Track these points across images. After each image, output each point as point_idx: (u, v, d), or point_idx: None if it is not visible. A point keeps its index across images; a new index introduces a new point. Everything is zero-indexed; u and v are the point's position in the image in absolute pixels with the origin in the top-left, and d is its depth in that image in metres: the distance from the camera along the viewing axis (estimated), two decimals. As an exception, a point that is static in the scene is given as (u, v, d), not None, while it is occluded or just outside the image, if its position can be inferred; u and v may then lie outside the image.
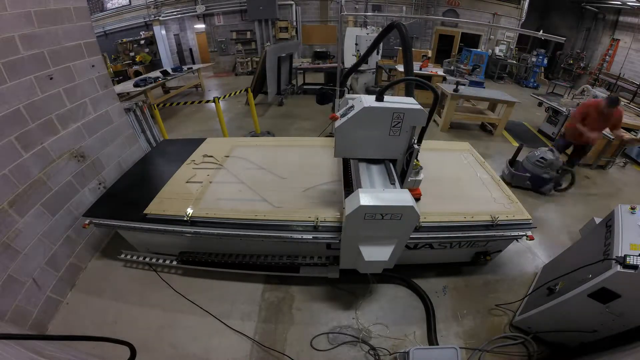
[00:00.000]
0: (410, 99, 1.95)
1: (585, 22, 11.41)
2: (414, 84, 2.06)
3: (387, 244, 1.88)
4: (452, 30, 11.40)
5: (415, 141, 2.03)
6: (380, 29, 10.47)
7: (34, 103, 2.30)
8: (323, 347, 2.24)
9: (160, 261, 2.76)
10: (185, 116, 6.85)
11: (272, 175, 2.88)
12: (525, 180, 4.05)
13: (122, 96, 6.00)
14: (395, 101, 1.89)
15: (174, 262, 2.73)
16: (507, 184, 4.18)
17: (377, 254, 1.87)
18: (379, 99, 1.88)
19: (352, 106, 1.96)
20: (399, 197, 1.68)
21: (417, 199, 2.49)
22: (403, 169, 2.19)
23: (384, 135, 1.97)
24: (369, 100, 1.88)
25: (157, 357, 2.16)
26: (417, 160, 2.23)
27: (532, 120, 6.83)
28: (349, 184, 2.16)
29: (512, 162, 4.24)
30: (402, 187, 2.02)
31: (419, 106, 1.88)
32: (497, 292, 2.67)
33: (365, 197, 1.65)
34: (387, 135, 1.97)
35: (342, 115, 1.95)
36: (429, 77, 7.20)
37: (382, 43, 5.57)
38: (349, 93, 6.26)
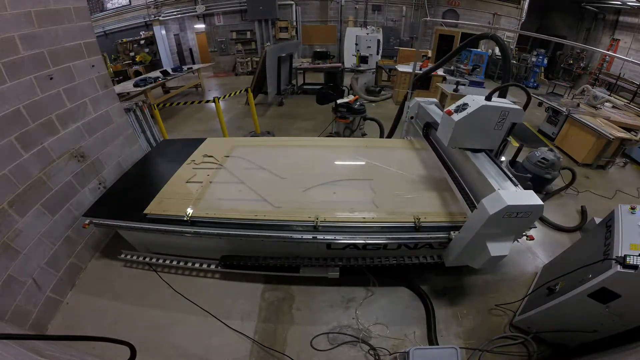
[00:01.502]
0: (507, 100, 2.34)
1: (585, 22, 11.41)
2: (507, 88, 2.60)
3: (507, 239, 2.05)
4: (452, 30, 11.40)
5: (507, 135, 2.41)
6: (380, 29, 10.45)
7: (34, 103, 2.30)
8: (323, 347, 2.24)
9: (160, 261, 2.76)
10: (185, 116, 6.85)
11: (272, 175, 2.88)
12: (526, 181, 4.03)
13: (122, 96, 6.00)
14: (502, 102, 2.25)
15: (181, 263, 2.72)
16: None
17: (500, 249, 2.01)
18: (489, 99, 2.24)
19: (466, 104, 2.26)
20: (532, 197, 1.83)
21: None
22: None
23: (490, 129, 2.31)
24: (482, 100, 2.22)
25: (157, 357, 2.16)
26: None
27: (532, 120, 6.82)
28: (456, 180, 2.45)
29: (512, 162, 4.22)
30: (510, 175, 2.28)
31: (518, 107, 2.25)
32: (497, 292, 2.67)
33: (509, 198, 1.77)
34: (492, 129, 2.31)
35: (457, 111, 2.27)
36: (429, 77, 7.20)
37: (382, 43, 5.56)
38: (349, 93, 6.28)
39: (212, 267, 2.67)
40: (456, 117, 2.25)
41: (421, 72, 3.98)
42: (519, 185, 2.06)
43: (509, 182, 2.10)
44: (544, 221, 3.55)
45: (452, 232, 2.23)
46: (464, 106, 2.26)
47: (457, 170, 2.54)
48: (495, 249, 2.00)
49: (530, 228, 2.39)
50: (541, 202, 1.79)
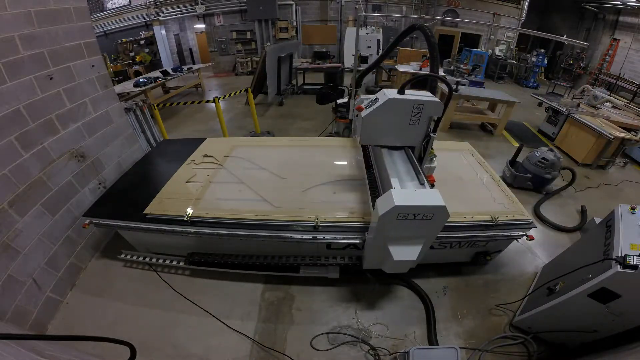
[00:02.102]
0: (428, 93, 2.17)
1: (585, 22, 11.40)
2: (436, 82, 2.30)
3: (415, 243, 1.91)
4: (452, 30, 11.40)
5: (432, 130, 2.24)
6: (381, 29, 10.47)
7: (34, 103, 2.30)
8: (323, 347, 2.24)
9: (160, 261, 2.76)
10: (185, 116, 6.85)
11: (272, 175, 2.88)
12: (526, 181, 4.05)
13: (122, 96, 6.00)
14: (416, 94, 2.10)
15: (181, 263, 2.72)
16: (508, 185, 4.21)
17: (405, 253, 1.89)
18: (401, 92, 2.09)
19: (377, 99, 2.14)
20: (431, 197, 1.71)
21: (432, 185, 2.58)
22: (420, 156, 2.40)
23: (405, 125, 2.18)
24: (392, 93, 2.08)
25: (157, 357, 2.16)
26: (432, 149, 2.39)
27: (532, 121, 6.82)
28: (372, 179, 2.28)
29: (513, 162, 4.23)
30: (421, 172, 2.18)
31: (436, 99, 2.10)
32: (497, 292, 2.67)
33: (399, 197, 1.66)
34: (407, 125, 2.18)
35: (367, 107, 2.17)
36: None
37: (382, 43, 5.56)
38: (349, 93, 6.26)
39: (212, 267, 2.67)
40: (365, 112, 2.16)
41: (364, 69, 3.82)
42: (426, 185, 1.96)
43: (416, 181, 2.01)
44: (544, 221, 3.55)
45: (365, 234, 2.14)
46: (374, 101, 2.16)
47: (377, 168, 2.34)
48: (400, 252, 1.87)
49: (530, 228, 2.40)
50: (442, 204, 1.65)
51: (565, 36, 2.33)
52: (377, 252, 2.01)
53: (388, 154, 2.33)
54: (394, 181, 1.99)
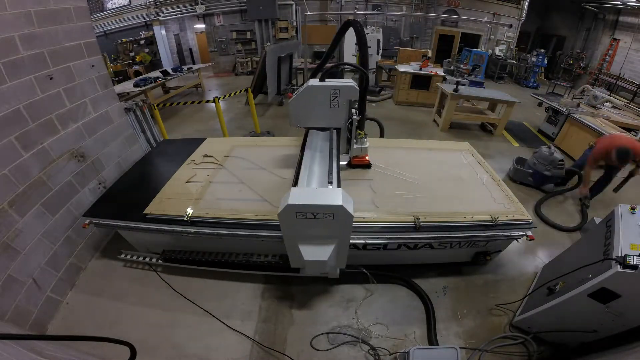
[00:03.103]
0: (349, 80, 2.49)
1: (585, 22, 11.41)
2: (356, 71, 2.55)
3: (327, 243, 1.86)
4: (452, 30, 11.39)
5: (356, 113, 2.53)
6: (380, 29, 10.47)
7: (34, 103, 2.30)
8: (323, 347, 2.24)
9: (160, 261, 2.75)
10: (185, 116, 6.85)
11: (272, 175, 2.88)
12: (527, 177, 4.11)
13: (122, 96, 6.00)
14: (335, 82, 2.43)
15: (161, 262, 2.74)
16: (511, 179, 4.21)
17: (316, 253, 1.85)
18: (322, 80, 2.44)
19: (304, 86, 2.46)
20: (330, 196, 1.66)
21: (367, 166, 2.97)
22: (348, 137, 2.76)
23: (326, 108, 2.51)
24: (314, 81, 2.44)
25: (157, 357, 2.16)
26: (361, 131, 2.77)
27: (532, 120, 6.83)
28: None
29: (520, 161, 4.37)
30: (349, 153, 2.59)
31: (351, 83, 2.44)
32: (497, 292, 2.67)
33: (295, 196, 1.64)
34: (328, 108, 2.51)
35: (295, 93, 2.52)
36: (428, 77, 7.20)
37: (382, 43, 5.57)
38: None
39: (212, 267, 2.67)
40: (291, 98, 2.52)
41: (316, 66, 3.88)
42: (334, 183, 1.96)
43: (325, 179, 2.02)
44: (544, 220, 3.55)
45: None
46: (301, 88, 2.52)
47: (300, 159, 2.38)
48: (310, 252, 1.85)
49: (530, 228, 2.40)
50: (339, 203, 1.60)
51: (566, 37, 2.32)
52: (294, 252, 1.97)
53: (315, 134, 2.65)
54: (302, 178, 2.01)
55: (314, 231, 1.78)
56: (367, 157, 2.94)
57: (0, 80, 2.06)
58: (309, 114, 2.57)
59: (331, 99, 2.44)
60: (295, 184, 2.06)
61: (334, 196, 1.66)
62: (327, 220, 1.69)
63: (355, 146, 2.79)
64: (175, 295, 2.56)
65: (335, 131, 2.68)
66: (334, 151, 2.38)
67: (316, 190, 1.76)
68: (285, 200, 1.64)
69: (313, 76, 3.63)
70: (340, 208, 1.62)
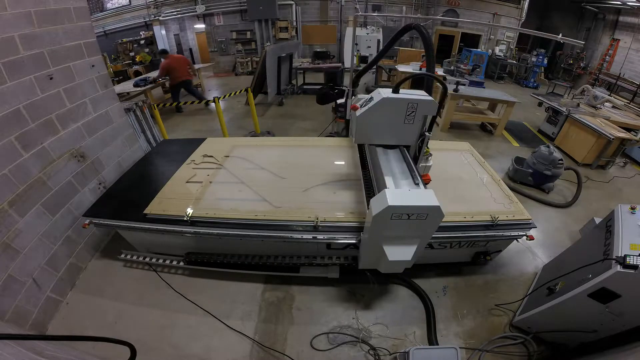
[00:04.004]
0: (422, 92, 2.16)
1: (585, 22, 11.41)
2: (432, 81, 2.31)
3: (410, 243, 1.89)
4: (452, 30, 11.40)
5: (427, 129, 2.25)
6: (380, 29, 10.47)
7: (34, 103, 2.30)
8: (323, 347, 2.24)
9: (160, 261, 2.76)
10: (185, 116, 6.85)
11: (272, 175, 2.88)
12: (527, 176, 4.12)
13: (122, 96, 6.00)
14: (410, 93, 2.09)
15: (180, 263, 2.72)
16: (511, 179, 4.22)
17: (400, 253, 1.88)
18: (396, 91, 2.08)
19: (372, 98, 2.14)
20: (426, 197, 1.70)
21: (427, 183, 2.59)
22: (415, 155, 2.39)
23: (399, 123, 2.17)
24: (387, 92, 2.08)
25: (157, 357, 2.16)
26: (428, 147, 2.39)
27: (532, 120, 6.82)
28: (367, 179, 2.35)
29: (519, 160, 4.37)
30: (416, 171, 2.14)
31: (430, 98, 2.10)
32: (497, 292, 2.67)
33: (393, 197, 1.65)
34: (402, 123, 2.16)
35: (362, 106, 2.16)
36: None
37: (382, 43, 5.57)
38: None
39: (212, 267, 2.67)
40: (359, 112, 2.16)
41: (361, 68, 3.72)
42: (420, 184, 1.96)
43: (410, 180, 2.01)
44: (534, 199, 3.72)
45: (361, 234, 2.14)
46: (369, 100, 2.16)
47: (372, 168, 2.38)
48: (394, 253, 1.87)
49: (530, 228, 2.40)
50: (437, 204, 1.63)
51: (560, 35, 2.31)
52: (372, 252, 2.00)
53: (383, 152, 2.33)
54: (388, 180, 1.99)
55: (399, 232, 1.80)
56: (429, 175, 2.64)
57: (0, 80, 2.05)
58: (377, 130, 2.23)
59: (406, 114, 2.11)
60: (370, 186, 2.13)
61: (429, 197, 1.69)
62: (418, 221, 1.70)
63: (421, 164, 2.46)
64: (175, 295, 2.56)
65: (405, 149, 2.38)
66: (410, 162, 2.24)
67: (409, 191, 1.78)
68: (383, 202, 1.64)
69: (358, 77, 3.64)
70: (436, 209, 1.65)
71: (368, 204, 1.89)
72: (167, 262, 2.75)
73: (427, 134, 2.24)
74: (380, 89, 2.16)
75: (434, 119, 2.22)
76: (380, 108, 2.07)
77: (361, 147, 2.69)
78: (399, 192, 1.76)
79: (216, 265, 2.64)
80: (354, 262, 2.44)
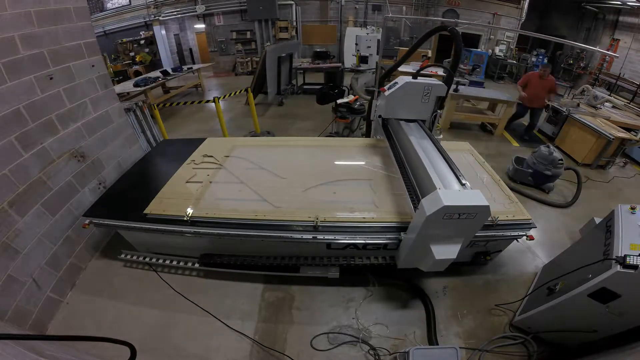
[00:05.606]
0: (434, 79, 2.94)
1: (585, 22, 11.41)
2: (452, 77, 3.01)
3: (455, 242, 1.95)
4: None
5: (439, 107, 2.98)
6: (380, 29, 10.46)
7: (34, 103, 2.30)
8: (323, 347, 2.24)
9: (160, 261, 2.76)
10: (185, 116, 6.85)
11: (272, 175, 2.88)
12: (527, 176, 4.12)
13: (122, 96, 6.00)
14: (427, 80, 2.88)
15: (181, 263, 2.72)
16: (511, 179, 4.22)
17: (446, 252, 1.93)
18: (415, 77, 2.92)
19: (396, 83, 2.95)
20: (476, 197, 1.75)
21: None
22: (429, 127, 3.08)
23: (418, 102, 2.94)
24: (409, 79, 2.90)
25: (157, 357, 2.16)
26: (439, 124, 3.17)
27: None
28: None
29: (519, 160, 4.37)
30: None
31: (441, 83, 2.88)
32: (497, 292, 2.67)
33: (447, 197, 1.69)
34: (420, 102, 2.94)
35: (389, 89, 2.99)
36: (428, 77, 7.19)
37: (382, 44, 5.60)
38: (350, 92, 6.29)
39: (216, 268, 2.67)
40: (387, 92, 2.94)
41: (388, 68, 4.14)
42: (467, 184, 1.99)
43: (455, 179, 2.04)
44: (534, 199, 3.80)
45: (402, 233, 2.17)
46: (394, 84, 2.97)
47: (409, 166, 2.50)
48: (441, 251, 1.92)
49: (531, 228, 2.40)
50: (486, 203, 1.69)
51: (566, 37, 2.34)
52: (415, 251, 2.05)
53: (406, 125, 2.93)
54: (436, 180, 2.01)
55: (448, 231, 1.86)
56: None
57: (0, 80, 2.05)
58: (401, 107, 2.97)
59: (423, 94, 2.84)
60: (410, 183, 2.32)
61: (478, 197, 1.74)
62: (467, 220, 1.75)
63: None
64: (175, 295, 2.56)
65: (421, 122, 3.04)
66: (444, 152, 2.40)
67: (459, 191, 1.87)
68: (437, 202, 1.68)
69: (384, 78, 4.26)
70: (486, 208, 1.71)
71: (416, 205, 2.02)
72: (167, 262, 2.74)
73: (439, 111, 2.96)
74: (402, 77, 2.94)
75: (443, 99, 2.90)
76: (404, 90, 2.83)
77: (385, 127, 3.16)
78: (450, 192, 1.81)
79: (222, 266, 2.62)
80: (392, 261, 2.42)
